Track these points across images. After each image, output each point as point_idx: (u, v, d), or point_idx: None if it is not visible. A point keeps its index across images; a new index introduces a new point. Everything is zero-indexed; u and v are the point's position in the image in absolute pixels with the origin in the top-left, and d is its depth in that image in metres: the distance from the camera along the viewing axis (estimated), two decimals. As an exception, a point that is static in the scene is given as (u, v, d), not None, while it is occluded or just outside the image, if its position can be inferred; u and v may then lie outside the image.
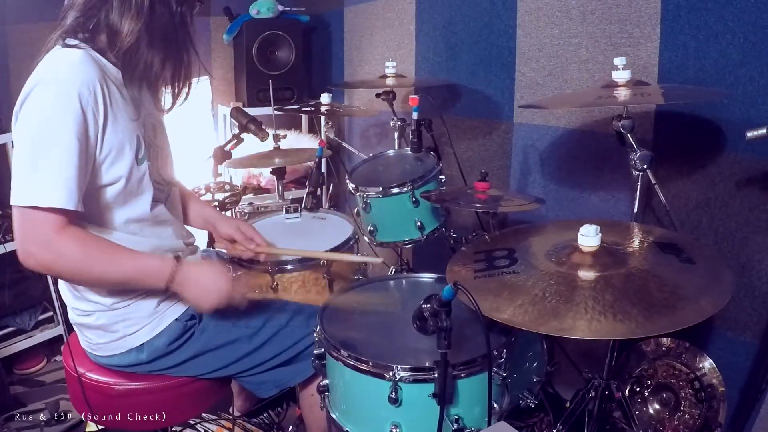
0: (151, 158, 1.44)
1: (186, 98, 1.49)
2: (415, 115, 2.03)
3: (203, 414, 2.13)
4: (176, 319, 1.51)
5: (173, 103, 1.48)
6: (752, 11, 1.62)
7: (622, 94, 1.55)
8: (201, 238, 1.81)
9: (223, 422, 2.17)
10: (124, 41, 1.31)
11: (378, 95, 2.46)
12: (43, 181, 1.22)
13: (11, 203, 1.23)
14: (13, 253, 2.61)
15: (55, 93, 1.24)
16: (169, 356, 1.51)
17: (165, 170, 1.56)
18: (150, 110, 1.50)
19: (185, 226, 1.70)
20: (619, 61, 1.61)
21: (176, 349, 1.51)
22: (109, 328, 1.48)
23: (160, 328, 1.49)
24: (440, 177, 1.99)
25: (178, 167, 1.67)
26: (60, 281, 1.53)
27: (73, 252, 1.26)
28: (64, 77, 1.25)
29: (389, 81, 2.44)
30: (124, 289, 1.44)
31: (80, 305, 1.47)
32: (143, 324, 1.48)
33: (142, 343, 1.49)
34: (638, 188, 1.58)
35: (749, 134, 1.40)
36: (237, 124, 2.27)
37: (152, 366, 1.52)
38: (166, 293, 1.44)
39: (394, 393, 1.20)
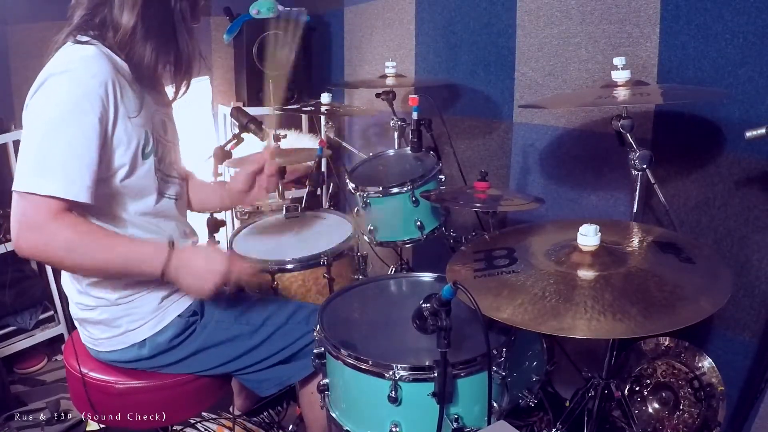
0: (159, 153, 1.46)
1: (185, 92, 1.51)
2: (414, 115, 2.04)
3: (203, 413, 2.13)
4: (179, 315, 1.52)
5: (174, 98, 1.52)
6: (751, 11, 1.62)
7: (622, 93, 1.56)
8: (202, 237, 1.82)
9: (224, 421, 2.18)
10: (121, 34, 1.34)
11: (378, 95, 2.46)
12: (47, 170, 1.22)
13: (12, 189, 1.23)
14: (14, 252, 2.64)
15: (68, 85, 1.25)
16: (170, 352, 1.52)
17: (176, 165, 1.58)
18: (159, 106, 1.52)
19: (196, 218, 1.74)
20: (618, 61, 1.61)
21: (178, 345, 1.52)
22: (112, 323, 1.48)
23: (162, 324, 1.50)
24: (440, 177, 1.99)
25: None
26: (63, 274, 1.54)
27: (65, 237, 1.24)
28: (77, 70, 1.26)
29: (389, 81, 2.44)
30: (125, 280, 1.44)
31: (83, 300, 1.48)
32: (147, 319, 1.49)
33: (144, 339, 1.49)
34: (637, 188, 1.58)
35: (748, 134, 1.40)
36: (237, 123, 2.27)
37: (153, 362, 1.52)
38: (163, 282, 1.41)
39: (393, 392, 1.21)
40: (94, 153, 1.27)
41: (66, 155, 1.23)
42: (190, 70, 1.47)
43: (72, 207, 1.26)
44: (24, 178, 1.22)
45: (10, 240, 2.61)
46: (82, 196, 1.25)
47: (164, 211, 1.51)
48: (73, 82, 1.25)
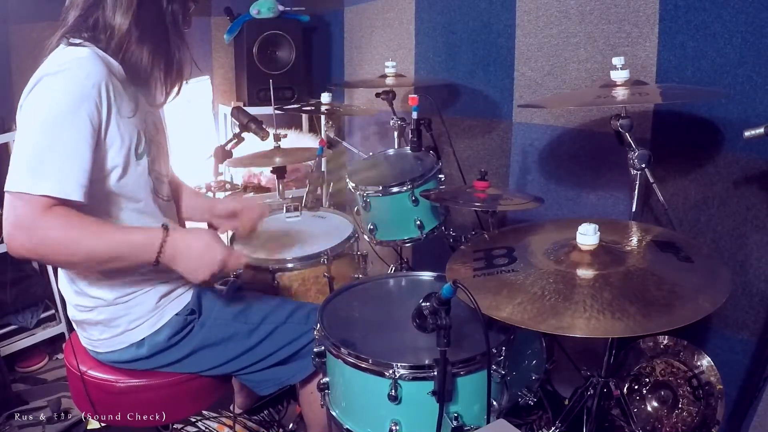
0: (151, 154, 1.46)
1: (177, 95, 1.51)
2: (414, 115, 2.04)
3: (204, 411, 2.14)
4: (177, 314, 1.52)
5: (164, 101, 1.51)
6: (750, 11, 1.63)
7: (621, 93, 1.56)
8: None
9: (224, 420, 2.19)
10: (116, 36, 1.34)
11: (378, 95, 2.47)
12: (42, 170, 1.22)
13: (5, 189, 1.22)
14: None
15: (62, 85, 1.25)
16: (169, 351, 1.52)
17: (165, 167, 1.58)
18: (151, 107, 1.52)
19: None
20: (617, 60, 1.62)
21: (176, 344, 1.53)
22: (110, 324, 1.49)
23: (161, 323, 1.50)
24: (440, 176, 2.00)
25: (180, 166, 1.69)
26: (60, 277, 1.54)
27: (57, 232, 1.22)
28: (71, 71, 1.26)
29: (389, 80, 2.44)
30: (122, 279, 1.44)
31: (81, 301, 1.48)
32: (145, 319, 1.49)
33: (143, 338, 1.50)
34: (636, 187, 1.59)
35: (747, 133, 1.41)
36: (238, 123, 2.28)
37: (152, 362, 1.53)
38: (158, 270, 1.39)
39: (393, 391, 1.21)
40: (87, 152, 1.26)
41: (60, 155, 1.23)
42: (181, 73, 1.48)
43: (64, 204, 1.25)
44: (17, 178, 1.21)
45: (10, 239, 2.62)
46: (76, 194, 1.24)
47: (157, 212, 1.50)
48: (67, 83, 1.25)
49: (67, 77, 1.26)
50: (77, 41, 1.32)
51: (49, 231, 1.22)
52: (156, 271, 1.47)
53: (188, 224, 1.78)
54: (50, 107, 1.24)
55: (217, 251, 1.37)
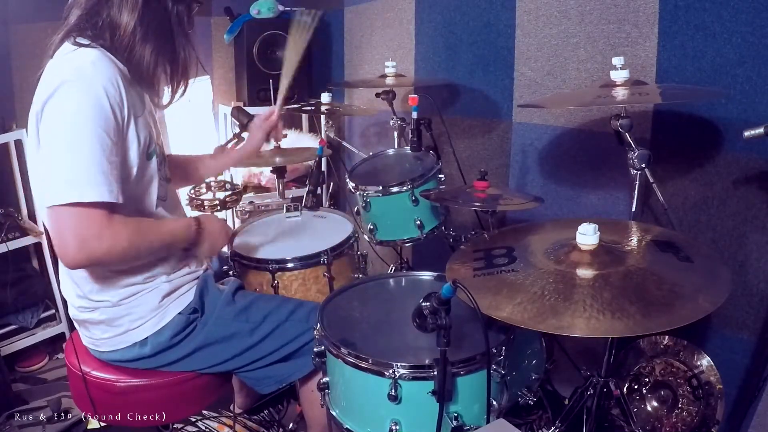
0: (158, 154, 1.48)
1: (182, 95, 1.52)
2: (414, 115, 2.04)
3: (204, 411, 2.15)
4: (179, 313, 1.53)
5: (170, 101, 1.51)
6: (750, 11, 1.63)
7: (620, 93, 1.56)
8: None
9: (224, 419, 2.19)
10: (122, 36, 1.34)
11: (378, 95, 2.47)
12: (83, 178, 1.23)
13: (50, 204, 1.23)
14: (15, 251, 2.66)
15: (82, 91, 1.25)
16: (171, 350, 1.53)
17: (165, 167, 1.58)
18: (150, 108, 1.52)
19: None
20: (617, 60, 1.62)
21: (179, 343, 1.53)
22: (112, 323, 1.49)
23: (163, 322, 1.51)
24: (439, 176, 2.00)
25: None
26: (62, 279, 1.54)
27: (124, 237, 1.31)
28: (88, 75, 1.27)
29: (389, 80, 2.44)
30: (125, 282, 1.46)
31: (83, 303, 1.49)
32: (148, 318, 1.49)
33: (146, 337, 1.50)
34: (636, 187, 1.59)
35: (746, 133, 1.41)
36: (238, 123, 2.28)
37: (155, 360, 1.53)
38: (186, 254, 1.58)
39: (393, 390, 1.21)
40: (117, 154, 1.30)
41: (99, 159, 1.25)
42: (186, 73, 1.48)
43: (114, 209, 1.29)
44: (63, 190, 1.22)
45: (10, 239, 2.62)
46: (120, 197, 1.29)
47: (160, 213, 1.51)
48: (89, 87, 1.26)
49: (87, 82, 1.26)
50: (85, 42, 1.33)
51: (118, 237, 1.30)
52: (158, 270, 1.49)
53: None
54: (75, 114, 1.24)
55: (225, 234, 1.65)
